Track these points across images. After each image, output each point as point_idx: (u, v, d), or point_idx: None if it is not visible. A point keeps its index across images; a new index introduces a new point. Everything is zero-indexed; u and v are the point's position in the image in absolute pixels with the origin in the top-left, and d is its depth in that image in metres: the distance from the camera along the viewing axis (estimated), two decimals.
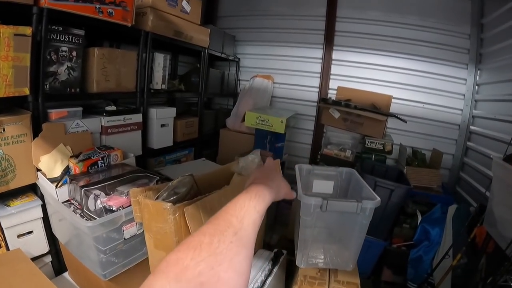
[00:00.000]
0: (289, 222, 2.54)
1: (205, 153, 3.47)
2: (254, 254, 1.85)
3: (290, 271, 1.96)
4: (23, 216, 1.75)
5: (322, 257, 1.69)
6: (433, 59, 3.50)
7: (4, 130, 1.59)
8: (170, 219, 1.20)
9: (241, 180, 1.62)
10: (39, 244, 1.85)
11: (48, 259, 1.93)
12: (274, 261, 1.84)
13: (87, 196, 1.50)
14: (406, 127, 3.56)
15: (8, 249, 1.69)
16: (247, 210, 0.64)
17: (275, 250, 1.93)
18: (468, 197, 3.01)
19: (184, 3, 2.71)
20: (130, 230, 1.52)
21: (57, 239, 1.87)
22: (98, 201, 1.47)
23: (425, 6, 3.49)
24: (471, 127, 3.32)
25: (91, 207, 1.50)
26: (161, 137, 2.77)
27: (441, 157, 3.14)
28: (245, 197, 0.69)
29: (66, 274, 1.90)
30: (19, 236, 1.74)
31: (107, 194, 1.50)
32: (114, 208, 1.46)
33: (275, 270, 1.75)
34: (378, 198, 1.52)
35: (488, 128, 2.95)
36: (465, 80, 3.41)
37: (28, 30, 1.59)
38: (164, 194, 1.31)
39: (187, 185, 1.39)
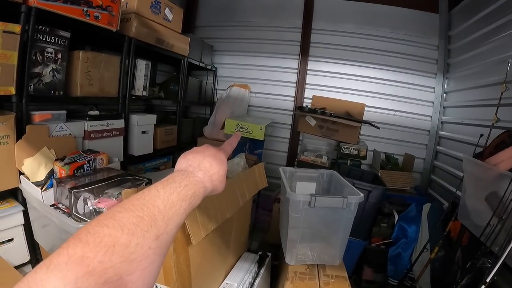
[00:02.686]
0: (269, 227, 2.58)
1: None
2: (239, 258, 1.88)
3: (273, 274, 2.00)
4: (3, 223, 1.68)
5: (310, 254, 1.74)
6: (404, 69, 3.69)
7: None
8: None
9: (230, 183, 1.64)
10: (19, 252, 1.78)
11: (29, 268, 1.84)
12: (260, 263, 1.88)
13: (76, 199, 1.47)
14: (379, 134, 3.68)
15: None
16: (176, 212, 0.54)
17: (260, 252, 1.96)
18: (440, 197, 3.17)
19: (167, 11, 2.74)
20: None
21: (38, 248, 1.82)
22: (88, 204, 1.45)
23: (396, 19, 3.68)
24: (440, 132, 3.52)
25: (80, 210, 1.48)
26: (141, 144, 2.76)
27: (413, 160, 3.28)
28: (179, 195, 0.57)
29: None
30: None
31: (96, 197, 1.49)
32: (104, 210, 1.45)
33: (261, 271, 1.79)
34: (361, 194, 1.60)
35: (456, 132, 3.13)
36: (434, 88, 3.62)
37: (17, 28, 1.58)
38: None
39: None
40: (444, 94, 3.58)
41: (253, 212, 2.88)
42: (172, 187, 0.57)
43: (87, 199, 1.46)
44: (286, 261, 1.74)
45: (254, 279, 1.73)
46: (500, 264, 1.40)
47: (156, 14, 2.63)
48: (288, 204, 1.60)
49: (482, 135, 2.06)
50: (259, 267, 1.84)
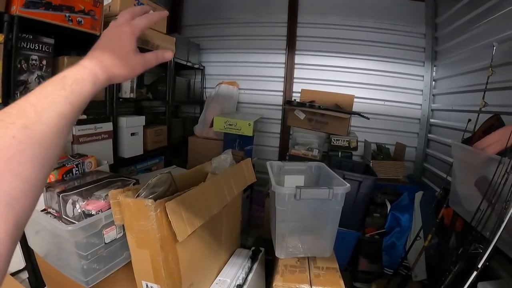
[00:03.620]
0: (263, 223, 2.60)
1: (175, 161, 3.48)
2: (232, 254, 1.90)
3: (268, 268, 2.03)
4: None
5: (300, 246, 1.77)
6: (391, 59, 3.73)
7: None
8: (152, 215, 1.21)
9: (216, 179, 1.66)
10: (14, 259, 1.77)
11: (25, 275, 1.87)
12: (253, 259, 1.90)
13: (65, 202, 1.49)
14: (370, 124, 3.71)
15: None
16: (53, 101, 0.52)
17: (253, 248, 2.00)
18: (433, 185, 3.20)
19: (151, 13, 2.73)
20: (110, 234, 1.52)
21: (33, 253, 1.82)
22: (77, 206, 1.47)
23: (381, 9, 3.72)
24: (431, 120, 3.56)
25: (70, 213, 1.50)
26: (131, 146, 2.76)
27: (404, 149, 3.31)
28: (56, 86, 0.55)
29: None
30: None
31: (84, 199, 1.50)
32: (93, 212, 1.46)
33: (254, 266, 1.81)
34: (348, 185, 1.64)
35: (446, 119, 3.17)
36: (423, 76, 3.66)
37: (0, 37, 1.60)
38: (144, 193, 1.33)
39: (166, 183, 1.42)
40: (433, 82, 3.61)
41: (247, 208, 2.91)
42: (49, 81, 0.56)
43: (76, 202, 1.48)
44: (276, 254, 1.77)
45: (247, 274, 1.75)
46: (492, 249, 1.41)
47: None
48: (275, 198, 1.62)
49: (470, 120, 2.08)
50: (253, 263, 1.86)
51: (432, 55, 3.60)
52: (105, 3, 2.32)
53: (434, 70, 3.61)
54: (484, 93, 1.96)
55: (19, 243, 1.76)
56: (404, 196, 2.78)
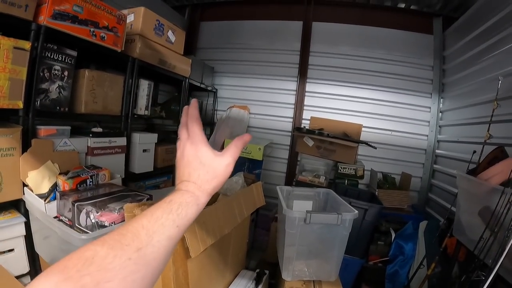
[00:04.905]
0: (267, 247, 2.60)
1: None
2: (237, 275, 1.90)
3: None
4: (4, 233, 1.70)
5: (306, 270, 1.77)
6: (400, 90, 3.80)
7: None
8: None
9: (228, 200, 1.68)
10: (19, 263, 1.79)
11: (27, 280, 1.84)
12: (257, 281, 1.89)
13: (79, 211, 1.52)
14: (376, 154, 3.74)
15: None
16: (162, 224, 0.58)
17: (258, 270, 1.98)
18: (437, 215, 3.20)
19: (170, 34, 2.83)
20: None
21: (38, 259, 1.84)
22: (91, 217, 1.49)
23: (390, 41, 3.82)
24: (437, 151, 3.59)
25: (83, 223, 1.52)
26: (142, 162, 2.79)
27: (410, 179, 3.32)
28: (164, 209, 0.61)
29: None
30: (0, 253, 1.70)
31: (98, 210, 1.53)
32: (107, 224, 1.49)
33: None
34: (356, 211, 1.66)
35: (452, 150, 3.20)
36: (430, 108, 3.71)
37: (27, 45, 1.65)
38: None
39: None
40: (440, 113, 3.66)
41: (251, 231, 2.90)
42: (157, 205, 0.62)
43: (90, 212, 1.50)
44: (283, 277, 1.76)
45: None
46: (494, 276, 1.41)
47: (159, 36, 2.72)
48: (285, 221, 1.64)
49: (475, 151, 2.11)
50: (257, 285, 1.85)
51: (440, 87, 3.66)
52: (127, 21, 2.40)
53: (441, 101, 3.67)
54: (489, 125, 2.01)
55: (25, 248, 1.79)
56: (409, 225, 2.78)
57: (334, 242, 1.71)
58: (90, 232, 1.45)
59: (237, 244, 1.86)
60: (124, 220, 1.42)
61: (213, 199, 1.71)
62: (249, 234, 2.25)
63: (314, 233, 1.67)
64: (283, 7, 4.23)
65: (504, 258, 1.43)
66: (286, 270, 1.75)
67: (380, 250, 2.73)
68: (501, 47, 2.51)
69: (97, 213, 1.50)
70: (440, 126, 3.65)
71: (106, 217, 1.50)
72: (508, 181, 1.54)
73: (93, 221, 1.49)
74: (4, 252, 1.72)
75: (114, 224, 1.50)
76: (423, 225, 2.76)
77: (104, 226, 1.48)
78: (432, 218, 3.11)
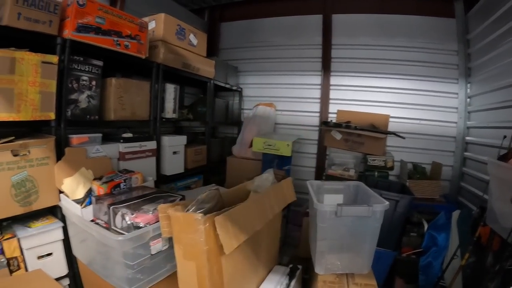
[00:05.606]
0: (299, 242, 2.60)
1: (213, 180, 3.55)
2: (270, 271, 1.92)
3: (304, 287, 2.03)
4: (43, 238, 1.80)
5: (339, 263, 1.78)
6: (425, 77, 3.70)
7: (29, 152, 1.70)
8: (201, 229, 1.26)
9: (259, 197, 1.71)
10: (58, 266, 1.89)
11: (66, 282, 1.95)
12: (291, 276, 1.91)
13: (115, 214, 1.58)
14: (405, 144, 3.67)
15: (27, 270, 1.73)
16: None
17: (291, 265, 2.01)
18: (470, 203, 3.10)
19: (191, 37, 2.89)
20: (156, 246, 1.59)
21: (76, 262, 1.93)
22: (126, 219, 1.55)
23: (411, 28, 3.74)
24: (467, 138, 3.48)
25: (119, 225, 1.58)
26: (173, 164, 2.87)
27: (441, 168, 3.25)
28: None
29: None
30: (39, 257, 1.79)
31: (133, 212, 1.58)
32: (141, 225, 1.54)
33: (292, 283, 1.82)
34: (387, 202, 1.66)
35: (482, 136, 3.10)
36: (457, 94, 3.59)
37: (54, 59, 1.74)
38: (193, 208, 1.38)
39: (214, 199, 1.47)
40: (468, 99, 3.55)
41: (283, 228, 2.92)
42: None
43: (125, 214, 1.56)
44: (315, 270, 1.78)
45: None
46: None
47: (181, 40, 2.78)
48: (316, 215, 1.66)
49: (505, 136, 2.06)
50: (290, 280, 1.86)
51: (466, 71, 3.54)
52: (149, 28, 2.46)
53: (469, 86, 3.55)
54: None
55: (63, 250, 1.88)
56: (441, 215, 2.71)
57: (365, 234, 1.71)
58: (126, 233, 1.50)
59: (269, 240, 1.90)
60: (158, 221, 1.47)
61: (244, 196, 1.75)
62: (281, 230, 2.27)
63: (346, 226, 1.68)
64: (301, 1, 4.22)
65: None
66: (318, 264, 1.77)
67: (412, 242, 2.69)
68: None
69: (132, 215, 1.55)
70: (469, 112, 3.53)
71: (141, 219, 1.55)
72: None
73: (128, 222, 1.54)
74: (43, 256, 1.81)
75: (149, 224, 1.55)
76: (456, 214, 2.69)
77: (139, 227, 1.53)
78: (464, 207, 3.03)
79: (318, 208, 1.62)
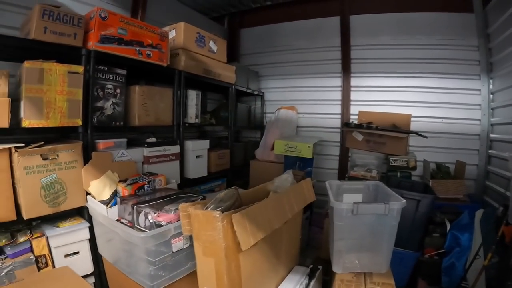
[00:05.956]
0: (321, 245, 2.62)
1: (236, 183, 3.59)
2: (290, 271, 1.93)
3: None
4: (71, 237, 1.92)
5: (357, 262, 1.80)
6: (446, 75, 3.65)
7: (58, 157, 1.82)
8: (219, 226, 1.31)
9: (278, 196, 1.75)
10: (84, 264, 1.99)
11: (92, 280, 2.05)
12: (311, 276, 1.94)
13: (138, 213, 1.66)
14: (428, 143, 3.61)
15: (54, 268, 1.83)
16: None
17: (311, 266, 2.03)
18: (496, 203, 3.00)
19: (211, 44, 2.98)
20: (177, 244, 1.65)
21: (101, 261, 2.03)
22: (149, 217, 1.63)
23: (430, 25, 3.70)
24: (491, 135, 3.39)
25: (142, 224, 1.66)
26: (196, 168, 2.95)
27: (464, 167, 3.18)
28: None
29: None
30: (66, 256, 1.90)
31: (156, 212, 1.66)
32: (163, 223, 1.61)
33: (312, 283, 1.85)
34: (404, 200, 1.67)
35: (508, 133, 3.01)
36: (480, 90, 3.51)
37: (80, 69, 1.87)
38: (212, 206, 1.44)
39: (232, 198, 1.52)
40: (491, 95, 3.46)
41: (306, 230, 2.94)
42: None
43: (148, 214, 1.64)
44: (333, 269, 1.82)
45: None
46: None
47: (201, 47, 2.87)
48: (333, 214, 1.69)
49: None
50: (310, 280, 1.89)
51: (488, 67, 3.45)
52: (169, 36, 2.57)
53: (491, 82, 3.46)
54: None
55: (89, 249, 1.99)
56: (464, 215, 2.67)
57: (383, 233, 1.72)
58: (148, 231, 1.58)
59: (290, 239, 1.93)
60: (179, 220, 1.53)
61: (264, 196, 1.79)
62: (304, 232, 2.29)
63: (363, 224, 1.71)
64: (319, 4, 4.21)
65: None
66: (336, 263, 1.80)
67: (435, 242, 2.65)
68: None
69: (154, 214, 1.63)
70: (492, 109, 3.44)
71: (163, 218, 1.63)
72: None
73: (151, 221, 1.62)
74: (70, 254, 1.93)
75: (171, 223, 1.62)
76: (479, 214, 2.62)
77: (161, 226, 1.60)
78: (490, 206, 2.95)
79: (335, 206, 1.66)
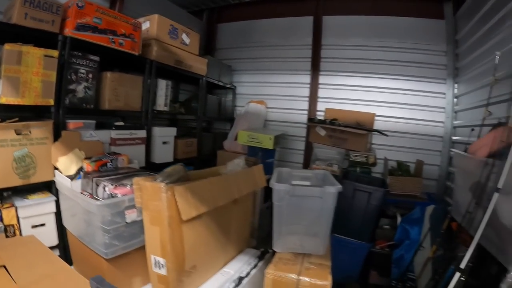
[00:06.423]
0: None
1: None
2: (241, 251, 2.09)
3: None
4: (38, 209, 2.06)
5: (297, 243, 1.93)
6: (414, 77, 3.80)
7: (30, 132, 1.97)
8: (164, 196, 1.45)
9: (224, 177, 1.90)
10: (49, 236, 2.13)
11: (56, 252, 2.17)
12: (260, 258, 2.08)
13: (97, 185, 1.82)
14: (392, 142, 3.77)
15: None
16: None
17: (262, 249, 2.18)
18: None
19: (184, 36, 3.13)
20: (131, 215, 1.80)
21: (66, 235, 2.15)
22: (106, 189, 1.79)
23: (402, 29, 3.85)
24: (453, 137, 3.54)
25: (100, 195, 1.83)
26: (162, 153, 3.08)
27: (422, 165, 3.35)
28: None
29: (71, 268, 2.14)
30: (33, 226, 2.04)
31: (113, 184, 1.82)
32: (119, 196, 1.78)
33: (260, 264, 2.00)
34: (339, 185, 1.79)
35: (468, 135, 3.09)
36: (445, 94, 3.67)
37: (55, 53, 2.03)
38: (159, 179, 1.60)
39: (179, 173, 1.67)
40: (455, 99, 3.61)
41: (268, 220, 3.07)
42: None
43: (106, 186, 1.80)
44: (273, 248, 1.94)
45: (252, 269, 1.94)
46: (476, 248, 1.50)
47: (174, 39, 3.02)
48: (273, 194, 1.82)
49: (473, 129, 2.17)
50: (259, 261, 2.04)
51: (454, 72, 3.59)
52: (143, 28, 2.72)
53: (456, 87, 3.62)
54: (487, 103, 2.04)
55: (55, 223, 2.14)
56: (416, 210, 2.79)
57: (320, 216, 1.84)
58: (104, 200, 1.74)
59: (239, 221, 2.08)
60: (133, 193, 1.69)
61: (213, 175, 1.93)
62: (265, 222, 2.40)
63: (301, 207, 1.84)
64: (295, 4, 4.42)
65: (490, 231, 1.51)
66: (276, 242, 1.93)
67: (386, 235, 2.80)
68: (508, 21, 2.41)
69: (111, 186, 1.79)
70: (455, 112, 3.60)
71: (119, 190, 1.79)
72: (494, 152, 1.59)
73: (108, 193, 1.78)
74: (37, 226, 2.07)
75: (126, 196, 1.78)
76: (429, 209, 2.75)
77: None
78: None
79: (274, 187, 1.78)
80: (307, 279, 1.67)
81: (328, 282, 1.66)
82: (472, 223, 1.70)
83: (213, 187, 1.73)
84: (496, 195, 1.49)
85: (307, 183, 2.28)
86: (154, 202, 1.51)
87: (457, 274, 1.55)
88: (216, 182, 1.78)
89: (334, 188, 1.77)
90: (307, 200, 1.81)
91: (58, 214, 2.15)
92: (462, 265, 1.55)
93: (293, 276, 1.68)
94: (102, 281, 1.22)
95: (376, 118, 3.85)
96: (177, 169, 1.69)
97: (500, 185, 1.48)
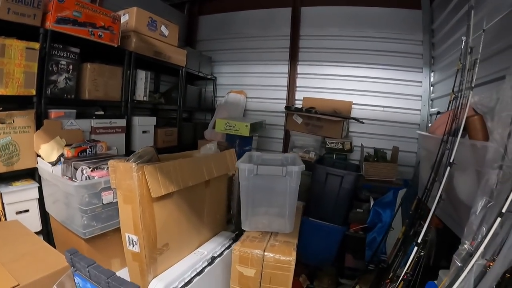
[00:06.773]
0: None
1: None
2: (216, 234, 2.19)
3: None
4: (22, 195, 2.16)
5: (264, 222, 2.03)
6: (390, 66, 3.90)
7: (13, 121, 2.07)
8: (135, 175, 1.55)
9: (195, 159, 2.01)
10: (33, 222, 2.21)
11: (40, 237, 2.18)
12: (235, 240, 2.17)
13: (75, 169, 1.95)
14: (369, 130, 3.89)
15: None
16: None
17: (237, 232, 2.27)
18: None
19: (163, 28, 3.24)
20: (107, 197, 1.94)
21: (49, 221, 2.28)
22: (84, 172, 1.92)
23: (378, 19, 3.94)
24: (430, 125, 3.53)
25: (78, 178, 1.96)
26: (142, 142, 3.15)
27: (397, 151, 3.45)
28: None
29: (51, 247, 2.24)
30: (17, 213, 2.13)
31: (90, 167, 1.95)
32: (96, 178, 1.90)
33: (234, 245, 2.03)
34: (302, 165, 1.89)
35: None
36: (421, 82, 3.78)
37: (36, 45, 2.13)
38: (132, 159, 1.70)
39: (150, 154, 1.79)
40: (431, 87, 3.72)
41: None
42: None
43: (84, 169, 1.93)
44: (242, 227, 2.05)
45: (225, 250, 2.06)
46: (430, 221, 1.56)
47: (153, 31, 3.13)
48: (239, 174, 1.92)
49: (438, 112, 2.23)
50: (233, 243, 2.11)
51: (430, 60, 3.72)
52: (122, 20, 2.83)
53: (432, 75, 3.73)
54: (454, 86, 2.11)
55: (38, 208, 2.24)
56: (389, 193, 2.87)
57: (285, 194, 1.92)
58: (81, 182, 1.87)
59: (213, 204, 2.18)
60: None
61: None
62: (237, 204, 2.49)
63: (266, 185, 1.92)
64: None
65: (451, 209, 1.60)
66: (245, 221, 2.03)
67: (359, 218, 2.88)
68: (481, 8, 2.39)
69: (89, 169, 1.92)
70: (432, 100, 3.71)
71: (96, 173, 1.93)
72: (449, 131, 1.68)
73: (85, 175, 1.91)
74: (21, 212, 2.17)
75: (102, 178, 1.90)
76: (402, 192, 2.83)
77: None
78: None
79: (240, 167, 1.87)
80: (271, 254, 1.77)
81: (291, 257, 1.75)
82: (429, 198, 1.78)
83: (183, 167, 1.82)
84: (448, 169, 1.56)
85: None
86: (126, 181, 1.59)
87: (415, 249, 1.60)
88: (186, 164, 1.87)
89: (297, 168, 1.84)
90: (272, 180, 1.89)
91: (41, 200, 2.25)
92: (419, 239, 1.60)
93: (258, 252, 1.78)
94: (75, 252, 1.33)
95: (354, 106, 3.95)
96: (148, 150, 1.80)
97: (451, 159, 1.55)
